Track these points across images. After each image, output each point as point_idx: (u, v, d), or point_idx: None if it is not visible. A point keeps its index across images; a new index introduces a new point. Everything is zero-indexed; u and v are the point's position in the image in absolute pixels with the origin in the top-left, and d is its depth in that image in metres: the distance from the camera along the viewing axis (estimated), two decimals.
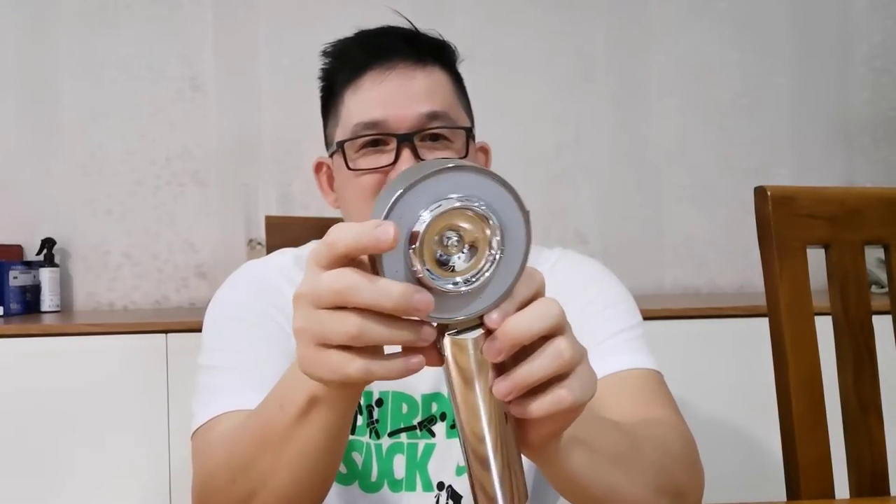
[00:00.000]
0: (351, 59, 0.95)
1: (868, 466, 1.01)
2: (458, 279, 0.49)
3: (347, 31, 1.00)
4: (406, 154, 0.90)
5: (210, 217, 2.32)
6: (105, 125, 2.30)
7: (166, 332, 1.79)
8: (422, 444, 0.96)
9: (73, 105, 2.29)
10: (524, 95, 2.37)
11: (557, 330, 0.51)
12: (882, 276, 1.84)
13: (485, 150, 1.02)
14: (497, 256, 0.49)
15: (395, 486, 0.95)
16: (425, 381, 0.96)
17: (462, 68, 1.01)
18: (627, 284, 1.01)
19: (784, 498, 1.01)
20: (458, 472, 0.96)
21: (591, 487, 0.64)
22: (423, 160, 0.90)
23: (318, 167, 1.03)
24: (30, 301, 2.15)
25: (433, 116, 0.92)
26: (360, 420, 0.95)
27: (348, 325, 0.49)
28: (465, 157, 0.93)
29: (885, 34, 2.49)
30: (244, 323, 0.93)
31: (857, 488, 1.01)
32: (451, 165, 0.49)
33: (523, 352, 0.51)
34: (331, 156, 0.98)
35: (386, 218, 0.48)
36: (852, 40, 2.48)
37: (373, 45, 0.95)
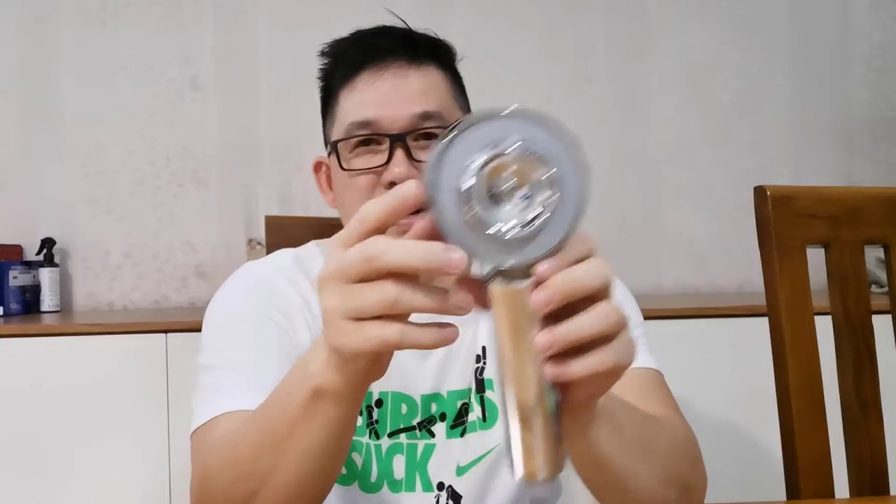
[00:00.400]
0: (346, 59, 0.95)
1: (868, 466, 1.01)
2: (510, 224, 0.49)
3: (347, 31, 1.00)
4: (399, 154, 0.90)
5: (210, 217, 2.32)
6: (105, 125, 2.30)
7: (166, 332, 1.79)
8: (421, 444, 0.96)
9: (72, 105, 2.29)
10: (524, 95, 2.37)
11: (605, 292, 0.51)
12: (882, 275, 1.84)
13: None
14: (552, 205, 0.49)
15: (395, 486, 0.95)
16: (425, 381, 0.96)
17: (461, 68, 1.01)
18: (627, 284, 1.01)
19: (784, 497, 1.01)
20: (459, 472, 0.96)
21: (611, 469, 0.64)
22: (416, 160, 0.90)
23: (318, 167, 1.03)
24: (29, 301, 2.15)
25: (426, 116, 0.92)
26: (360, 421, 0.95)
27: (386, 292, 0.50)
28: None
29: (885, 34, 2.49)
30: (244, 323, 0.93)
31: (856, 488, 1.01)
32: (510, 110, 0.49)
33: (567, 310, 0.50)
34: (329, 155, 0.99)
35: (440, 158, 0.48)
36: (852, 40, 2.48)
37: (368, 45, 0.95)
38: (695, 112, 2.42)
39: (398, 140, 0.90)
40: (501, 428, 0.52)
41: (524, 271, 0.50)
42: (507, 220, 0.49)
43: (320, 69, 0.99)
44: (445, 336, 0.52)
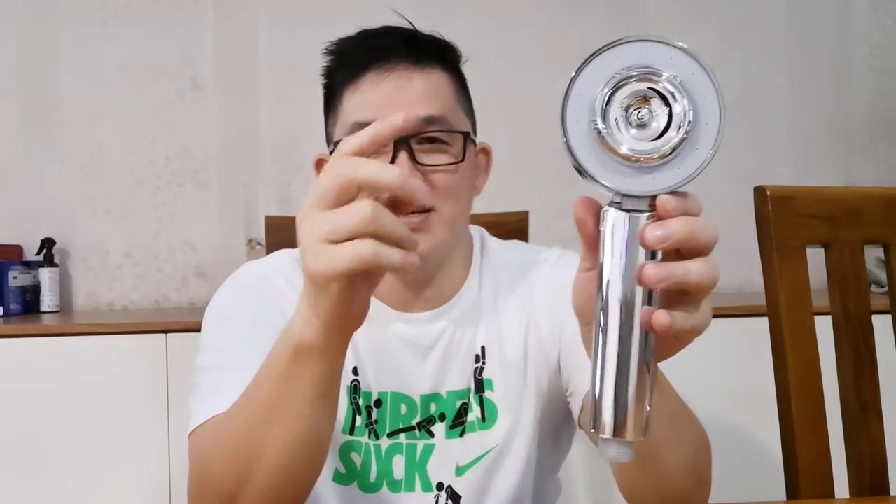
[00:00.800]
0: (351, 59, 0.95)
1: (868, 466, 1.01)
2: (640, 148, 0.48)
3: (347, 31, 1.00)
4: (402, 157, 0.90)
5: (210, 217, 2.32)
6: (105, 125, 2.30)
7: (166, 332, 1.79)
8: (421, 444, 0.96)
9: (72, 105, 2.29)
10: (524, 95, 2.37)
11: (710, 251, 0.51)
12: (882, 275, 1.84)
13: (486, 152, 1.02)
14: (682, 137, 0.48)
15: (395, 486, 0.95)
16: (424, 381, 0.96)
17: (463, 68, 1.01)
18: None
19: (784, 498, 1.01)
20: (458, 472, 0.96)
21: (650, 439, 0.65)
22: (420, 163, 0.90)
23: (319, 164, 1.03)
24: (29, 301, 2.15)
25: (430, 120, 0.91)
26: (359, 420, 0.95)
27: (363, 209, 0.55)
28: (461, 161, 0.93)
29: (885, 34, 2.49)
30: (243, 324, 0.93)
31: (856, 488, 1.01)
32: (660, 40, 0.49)
33: (671, 256, 0.50)
34: (331, 153, 0.98)
35: (577, 73, 0.49)
36: (852, 40, 2.48)
37: (373, 45, 0.95)
38: None
39: (402, 143, 0.90)
40: (590, 379, 0.50)
41: (645, 202, 0.49)
42: (637, 145, 0.48)
43: (324, 67, 0.99)
44: (411, 260, 0.57)
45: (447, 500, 0.96)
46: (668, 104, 0.48)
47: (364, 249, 0.55)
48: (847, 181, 2.43)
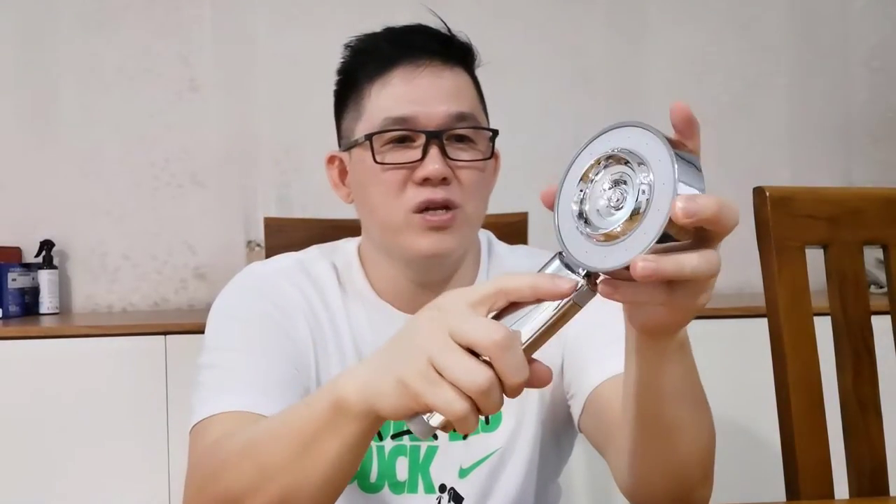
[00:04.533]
0: (380, 54, 0.94)
1: (867, 466, 1.01)
2: (611, 229, 0.53)
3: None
4: (434, 151, 0.90)
5: (209, 218, 2.32)
6: (104, 127, 2.30)
7: (165, 333, 1.79)
8: (424, 446, 0.96)
9: (71, 106, 2.29)
10: (524, 96, 2.37)
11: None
12: (881, 276, 1.84)
13: (496, 157, 1.02)
14: (644, 215, 0.52)
15: (397, 487, 0.95)
16: None
17: None
18: None
19: (784, 498, 1.01)
20: (461, 474, 0.96)
21: (667, 411, 0.69)
22: (451, 158, 0.91)
23: (331, 160, 1.02)
24: (28, 303, 2.14)
25: (461, 117, 0.92)
26: None
27: (480, 379, 0.54)
28: (489, 158, 0.95)
29: (884, 35, 2.49)
30: (246, 324, 0.93)
31: (856, 488, 1.01)
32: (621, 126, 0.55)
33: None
34: (347, 149, 0.98)
35: (561, 180, 0.56)
36: (851, 41, 2.48)
37: (403, 41, 0.95)
38: (694, 112, 2.41)
39: (434, 137, 0.90)
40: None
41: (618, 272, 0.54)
42: (610, 226, 0.53)
43: (343, 62, 0.99)
44: (470, 429, 0.58)
45: (450, 501, 0.96)
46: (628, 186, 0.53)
47: (457, 407, 0.55)
48: (846, 182, 2.43)
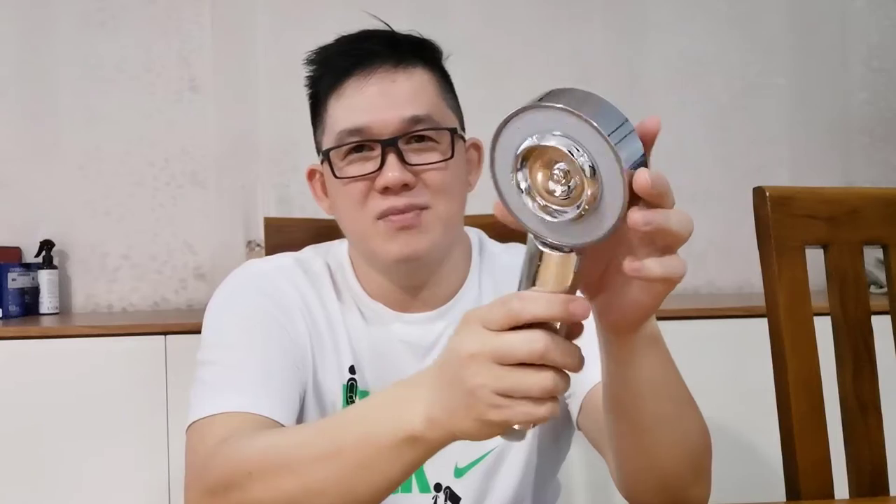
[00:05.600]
0: (333, 66, 0.95)
1: (867, 466, 1.01)
2: (556, 209, 0.56)
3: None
4: (391, 159, 0.90)
5: (209, 218, 2.32)
6: (103, 126, 2.29)
7: (165, 333, 1.79)
8: None
9: (71, 106, 2.29)
10: (523, 96, 2.36)
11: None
12: (881, 276, 1.84)
13: (477, 147, 1.02)
14: (595, 199, 0.53)
15: None
16: None
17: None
18: None
19: (784, 498, 1.01)
20: (457, 473, 0.96)
21: (646, 408, 0.69)
22: (409, 164, 0.90)
23: (311, 174, 1.02)
24: (28, 303, 2.14)
25: (416, 120, 0.92)
26: None
27: (546, 381, 0.57)
28: (451, 157, 0.93)
29: (884, 35, 2.49)
30: (244, 320, 0.93)
31: (856, 488, 1.01)
32: (554, 100, 0.55)
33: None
34: (322, 163, 0.98)
35: (493, 145, 0.57)
36: (851, 41, 2.48)
37: (353, 50, 0.95)
38: (694, 112, 2.42)
39: (390, 145, 0.90)
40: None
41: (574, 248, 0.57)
42: (552, 208, 0.56)
43: (307, 76, 0.99)
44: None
45: (446, 501, 0.96)
46: (574, 168, 0.55)
47: (541, 412, 0.58)
48: (846, 182, 2.42)
